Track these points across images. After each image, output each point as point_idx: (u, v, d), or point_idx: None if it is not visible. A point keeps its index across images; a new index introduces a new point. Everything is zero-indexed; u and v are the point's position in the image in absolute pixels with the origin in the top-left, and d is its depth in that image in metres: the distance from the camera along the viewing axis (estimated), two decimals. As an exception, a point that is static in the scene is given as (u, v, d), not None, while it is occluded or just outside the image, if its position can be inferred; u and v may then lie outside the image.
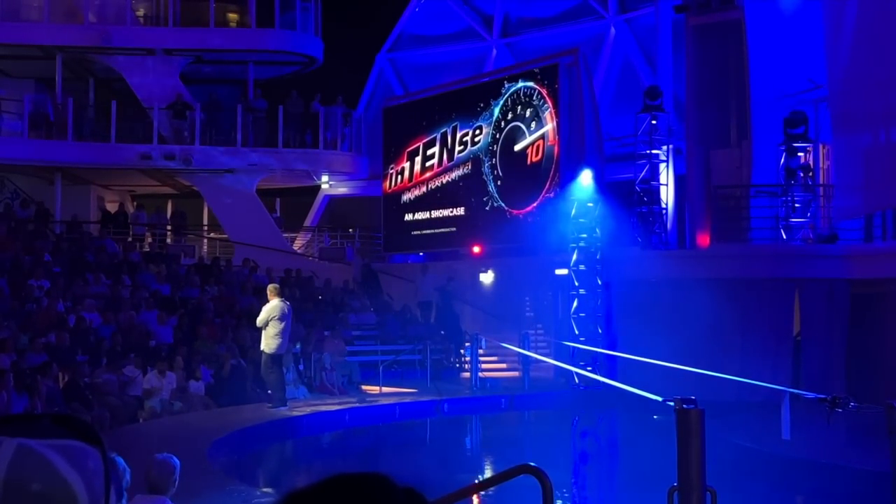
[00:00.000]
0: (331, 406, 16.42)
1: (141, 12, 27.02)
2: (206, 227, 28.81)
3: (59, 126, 25.39)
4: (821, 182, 19.85)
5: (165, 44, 26.22)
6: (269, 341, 15.03)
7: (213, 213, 27.24)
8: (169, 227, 27.60)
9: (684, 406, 6.27)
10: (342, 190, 29.07)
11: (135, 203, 29.79)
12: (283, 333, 15.07)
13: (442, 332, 21.96)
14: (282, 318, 15.02)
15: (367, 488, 1.03)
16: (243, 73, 27.27)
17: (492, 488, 10.43)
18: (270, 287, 15.86)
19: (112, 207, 27.74)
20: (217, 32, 26.53)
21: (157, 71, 26.39)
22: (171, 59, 26.54)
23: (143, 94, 26.15)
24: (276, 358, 15.22)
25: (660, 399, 7.01)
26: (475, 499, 10.83)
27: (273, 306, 15.02)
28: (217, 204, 26.48)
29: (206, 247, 27.49)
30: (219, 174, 26.03)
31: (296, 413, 15.36)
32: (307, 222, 29.47)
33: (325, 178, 28.18)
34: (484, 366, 19.96)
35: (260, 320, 15.12)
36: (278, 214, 29.91)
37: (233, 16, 27.42)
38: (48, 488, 1.17)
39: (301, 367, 18.05)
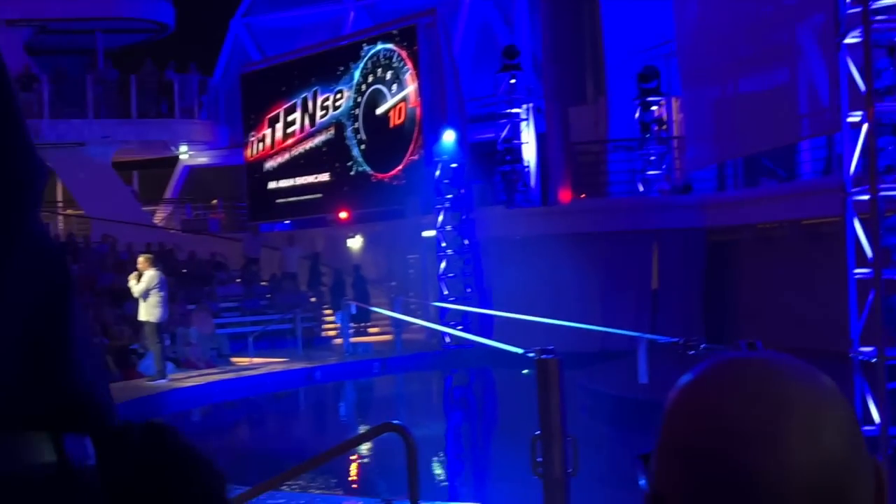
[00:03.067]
0: (201, 379, 16.15)
1: (-22, -19, 25.71)
2: (60, 204, 27.79)
3: None
4: (674, 134, 20.43)
5: (6, 14, 25.02)
6: (152, 310, 15.10)
7: (67, 188, 26.29)
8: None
9: (543, 356, 6.38)
10: (202, 160, 28.44)
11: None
12: (162, 303, 15.17)
13: (312, 300, 21.81)
14: (160, 287, 15.11)
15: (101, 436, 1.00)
16: (92, 42, 26.29)
17: (365, 449, 10.47)
18: (143, 258, 15.73)
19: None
20: (62, 0, 25.47)
21: (1, 43, 25.19)
22: (14, 29, 25.36)
23: (-14, 67, 24.95)
24: (159, 326, 15.31)
25: (521, 351, 7.11)
26: (349, 462, 10.85)
27: (151, 276, 15.07)
28: (71, 179, 25.55)
29: (61, 224, 26.54)
30: (71, 148, 25.08)
31: (166, 388, 15.08)
32: (167, 194, 28.76)
33: (183, 148, 27.51)
34: (355, 331, 19.94)
35: (138, 290, 15.03)
36: (136, 188, 29.08)
37: (78, -18, 26.37)
38: None
39: (167, 342, 17.66)
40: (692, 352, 6.98)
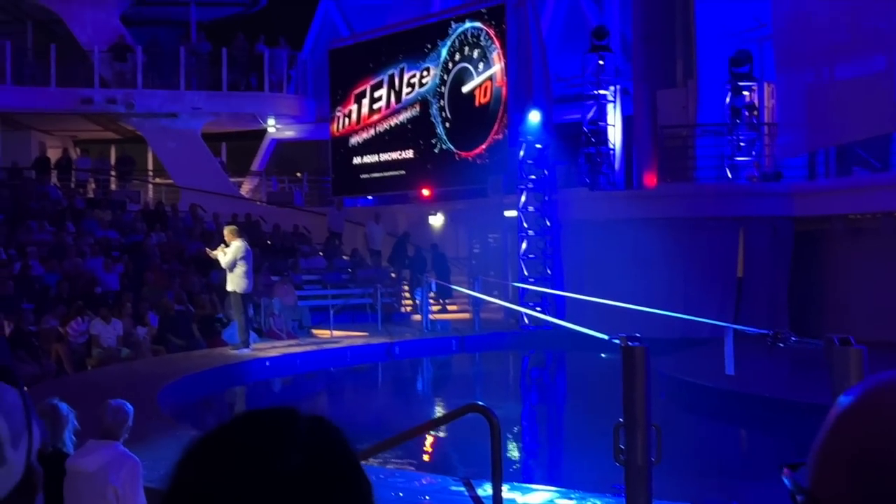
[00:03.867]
0: (283, 350, 16.42)
1: (78, -48, 26.33)
2: (151, 173, 28.41)
3: (-4, 70, 24.77)
4: (765, 121, 20.03)
5: (105, -15, 25.62)
6: (238, 281, 15.19)
7: (157, 157, 26.86)
8: (113, 173, 27.17)
9: (629, 343, 6.35)
10: (289, 133, 28.78)
11: (77, 149, 29.25)
12: (248, 273, 15.27)
13: (392, 275, 21.99)
14: (246, 257, 15.20)
15: (271, 421, 1.05)
16: (186, 15, 26.75)
17: (443, 428, 10.55)
18: (228, 229, 15.80)
19: (54, 153, 27.22)
20: (157, -28, 25.97)
21: (97, 13, 25.79)
22: (111, 0, 25.93)
23: (84, 37, 25.57)
24: (245, 297, 15.39)
25: (606, 337, 7.09)
26: (429, 438, 10.95)
27: (237, 247, 15.12)
28: (161, 149, 26.10)
29: (151, 192, 27.15)
30: (162, 118, 25.62)
31: (249, 357, 15.35)
32: (254, 166, 29.18)
33: (271, 121, 27.86)
34: (435, 308, 20.05)
35: (226, 262, 15.15)
36: (224, 159, 29.58)
37: (173, -45, 26.84)
38: None
39: (251, 312, 17.99)
40: (781, 344, 6.87)
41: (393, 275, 22.11)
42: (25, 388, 1.29)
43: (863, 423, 0.83)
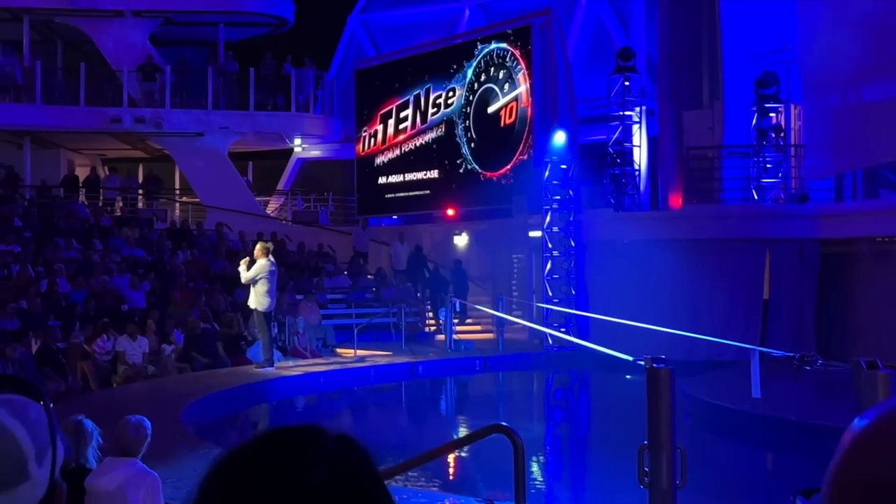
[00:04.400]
0: (307, 368, 16.44)
1: (109, -27, 26.64)
2: (178, 191, 28.62)
3: (27, 90, 25.06)
4: (792, 142, 19.93)
5: (134, 5, 25.89)
6: (259, 299, 15.28)
7: (184, 176, 27.05)
8: (140, 192, 27.39)
9: (654, 365, 6.33)
10: (315, 153, 28.93)
11: (105, 167, 29.52)
12: (270, 292, 15.32)
13: (418, 295, 21.99)
14: (270, 277, 15.23)
15: (297, 439, 1.06)
16: (214, 35, 26.98)
17: (466, 448, 10.52)
18: (260, 246, 15.88)
19: (83, 172, 27.48)
20: (187, -7, 26.23)
21: (127, 33, 26.07)
22: (140, 20, 26.22)
23: (113, 57, 25.84)
24: (267, 315, 15.46)
25: (630, 359, 7.06)
26: (451, 458, 10.92)
27: (261, 265, 15.21)
28: (189, 167, 26.29)
29: (178, 211, 27.33)
30: (190, 137, 25.82)
31: (273, 375, 15.39)
32: (280, 186, 29.33)
33: (297, 141, 28.02)
34: (458, 328, 20.03)
35: (246, 278, 15.24)
36: (250, 178, 29.75)
37: (202, -24, 27.11)
38: None
39: (275, 330, 18.04)
40: (808, 367, 6.80)
41: (419, 294, 22.12)
42: (51, 405, 1.31)
43: (878, 451, 0.82)
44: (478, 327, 21.45)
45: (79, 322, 16.00)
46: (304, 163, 29.18)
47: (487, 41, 23.27)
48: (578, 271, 19.96)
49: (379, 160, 26.14)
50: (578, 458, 12.84)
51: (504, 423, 6.43)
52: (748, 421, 11.94)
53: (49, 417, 1.29)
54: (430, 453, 6.66)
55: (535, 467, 10.98)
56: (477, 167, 23.33)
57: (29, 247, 19.28)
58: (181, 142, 25.96)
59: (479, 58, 23.37)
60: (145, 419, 5.33)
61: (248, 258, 15.52)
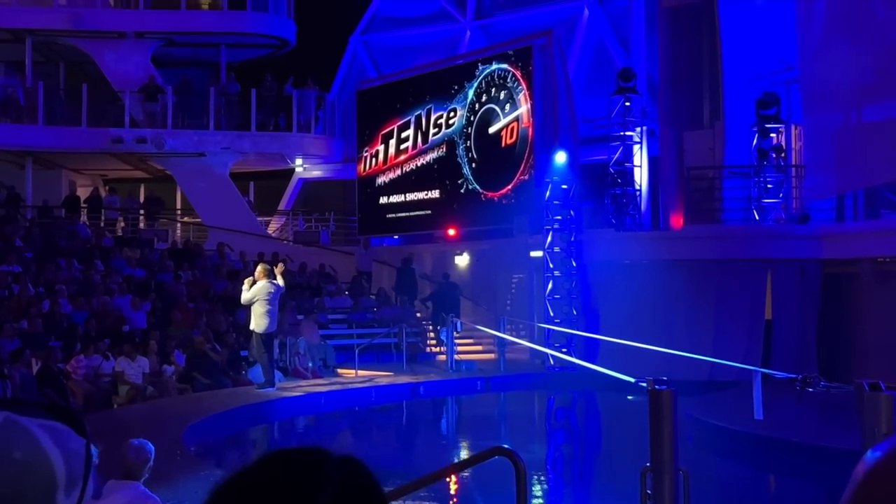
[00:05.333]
0: (308, 389, 16.41)
1: (112, -6, 26.79)
2: (179, 212, 28.64)
3: (29, 110, 25.13)
4: (793, 163, 19.97)
5: (137, 26, 26.00)
6: (258, 321, 15.22)
7: (186, 196, 27.09)
8: (141, 212, 27.42)
9: (657, 387, 6.31)
10: (316, 173, 28.97)
11: (107, 187, 29.56)
12: (270, 314, 15.22)
13: (418, 315, 21.98)
14: (269, 298, 15.14)
15: (302, 460, 1.06)
16: (216, 56, 27.08)
17: (468, 470, 10.48)
18: (261, 267, 15.85)
19: (84, 192, 27.51)
20: (189, 14, 26.33)
21: (129, 54, 26.17)
22: (142, 41, 26.32)
23: (115, 78, 25.93)
24: (266, 337, 15.37)
25: (632, 380, 7.05)
26: (452, 480, 10.88)
27: (260, 286, 15.14)
28: (190, 188, 26.33)
29: (179, 231, 27.35)
30: (191, 158, 25.88)
31: (274, 396, 15.36)
32: (281, 206, 29.35)
33: (298, 161, 28.07)
34: (460, 348, 20.00)
35: (245, 298, 15.20)
36: (252, 198, 29.79)
37: (205, -2, 27.24)
38: (29, 457, 1.23)
39: (276, 351, 18.01)
40: (811, 389, 6.80)
41: (418, 314, 22.10)
42: (92, 445, 1.33)
43: (891, 486, 0.81)
44: (479, 347, 21.42)
45: (80, 343, 15.98)
46: (305, 183, 29.22)
47: (488, 62, 23.35)
48: (581, 291, 19.95)
49: (380, 180, 26.17)
50: (580, 481, 12.79)
51: (506, 446, 6.41)
52: (751, 442, 11.90)
53: (88, 453, 1.30)
54: (432, 475, 6.63)
55: (536, 489, 10.94)
56: (478, 187, 23.36)
57: (30, 267, 19.29)
58: (183, 162, 26.01)
59: (480, 78, 23.45)
60: (148, 443, 5.32)
61: (251, 279, 15.50)
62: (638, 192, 20.66)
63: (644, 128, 21.12)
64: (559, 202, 19.98)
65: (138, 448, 5.22)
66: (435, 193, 24.63)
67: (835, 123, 18.48)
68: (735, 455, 12.44)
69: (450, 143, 24.21)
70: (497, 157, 22.83)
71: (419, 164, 25.14)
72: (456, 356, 19.24)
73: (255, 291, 15.14)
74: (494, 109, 23.03)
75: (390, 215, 25.85)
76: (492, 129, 23.06)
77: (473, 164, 23.57)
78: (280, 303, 16.19)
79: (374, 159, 26.37)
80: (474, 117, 23.57)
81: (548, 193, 20.02)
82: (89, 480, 1.30)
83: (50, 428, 1.27)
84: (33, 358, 14.57)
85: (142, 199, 28.52)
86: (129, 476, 5.13)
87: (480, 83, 23.43)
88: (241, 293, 15.61)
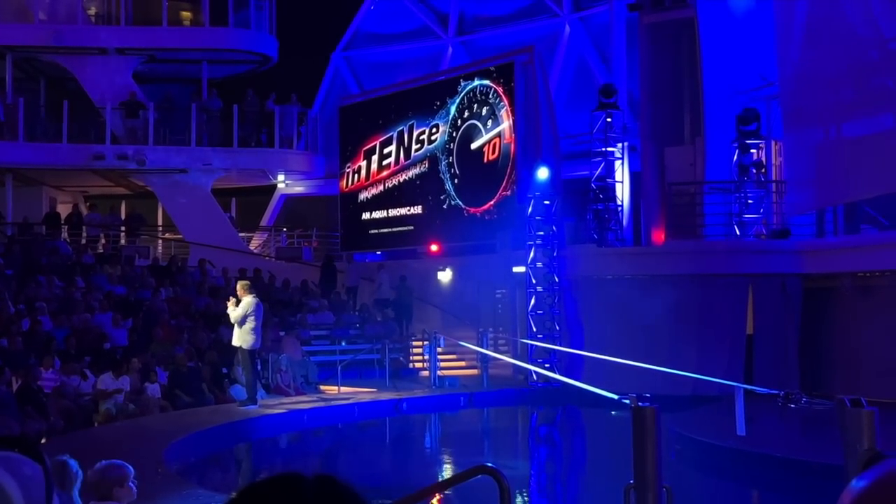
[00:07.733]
0: (291, 406, 16.34)
1: (92, 11, 26.71)
2: (160, 228, 28.53)
3: (9, 126, 25.01)
4: (773, 178, 20.09)
5: (118, 43, 25.94)
6: (245, 337, 15.14)
7: (167, 213, 27.00)
8: (122, 229, 27.30)
9: (640, 404, 6.32)
10: (298, 189, 28.94)
11: (88, 204, 29.42)
12: (256, 330, 15.20)
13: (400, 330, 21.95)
14: (256, 314, 15.15)
15: (276, 488, 1.08)
16: (197, 72, 27.03)
17: (450, 488, 10.44)
18: (241, 284, 15.76)
19: (65, 209, 27.38)
20: (170, 31, 26.30)
21: (110, 70, 26.09)
22: (123, 58, 26.26)
23: (96, 94, 25.85)
24: (252, 354, 15.33)
25: (616, 397, 7.06)
26: (435, 499, 10.84)
27: (247, 303, 15.09)
28: (171, 204, 26.24)
29: (160, 247, 27.23)
30: (173, 174, 25.80)
31: (256, 414, 15.28)
32: (263, 222, 29.30)
33: (280, 177, 28.04)
34: (443, 364, 19.98)
35: (235, 317, 15.11)
36: (234, 214, 29.71)
37: (186, 14, 27.20)
38: None
39: (259, 368, 17.93)
40: (793, 405, 6.81)
41: (405, 331, 22.07)
42: (49, 466, 1.35)
43: None
44: (462, 363, 21.40)
45: (59, 360, 15.86)
46: (287, 199, 29.18)
47: (470, 78, 23.42)
48: (564, 307, 19.97)
49: (363, 196, 26.17)
50: (564, 498, 12.77)
51: (490, 465, 6.39)
52: (734, 457, 11.93)
53: (46, 476, 1.32)
54: (415, 495, 6.60)
55: (520, 505, 10.91)
56: (460, 203, 23.39)
57: (10, 284, 19.15)
58: (164, 178, 25.94)
59: (462, 94, 23.51)
60: (123, 463, 5.25)
61: (233, 298, 15.42)
62: (619, 208, 20.73)
63: (625, 144, 21.22)
64: (541, 218, 20.02)
65: (106, 468, 5.14)
66: (417, 209, 24.64)
67: (815, 139, 18.63)
68: (718, 471, 12.46)
69: (432, 158, 24.24)
70: (479, 173, 22.87)
71: (401, 180, 25.15)
72: (439, 372, 19.22)
73: (244, 308, 15.07)
74: (476, 125, 23.09)
75: (373, 231, 25.84)
76: (474, 145, 23.12)
77: (456, 180, 23.60)
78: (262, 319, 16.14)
79: (356, 175, 26.38)
80: (456, 133, 23.62)
81: (530, 209, 20.06)
82: (54, 500, 1.32)
83: (2, 459, 1.29)
84: (13, 376, 14.44)
85: (123, 216, 28.40)
86: (105, 498, 5.07)
87: (462, 99, 23.50)
88: (225, 311, 15.52)
